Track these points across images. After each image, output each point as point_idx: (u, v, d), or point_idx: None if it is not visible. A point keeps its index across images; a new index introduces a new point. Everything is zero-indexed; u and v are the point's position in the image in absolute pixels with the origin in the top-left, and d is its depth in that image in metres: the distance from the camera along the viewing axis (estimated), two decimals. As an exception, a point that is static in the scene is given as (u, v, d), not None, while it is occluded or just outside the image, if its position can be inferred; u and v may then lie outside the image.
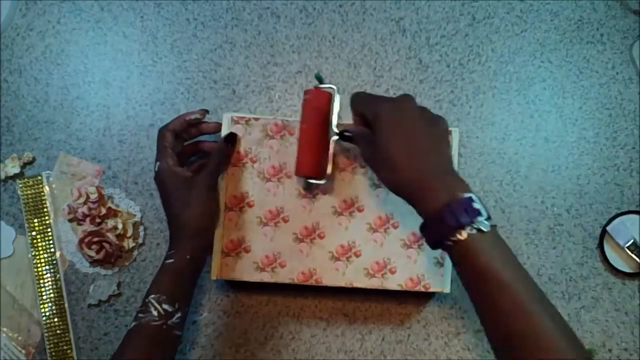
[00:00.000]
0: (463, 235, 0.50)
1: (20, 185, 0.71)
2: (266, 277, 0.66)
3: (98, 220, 0.70)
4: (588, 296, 0.71)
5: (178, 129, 0.66)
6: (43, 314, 0.70)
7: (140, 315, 0.59)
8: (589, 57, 0.74)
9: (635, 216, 0.71)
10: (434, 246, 0.54)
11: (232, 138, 0.66)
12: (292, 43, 0.73)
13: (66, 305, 0.70)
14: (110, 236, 0.70)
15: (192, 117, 0.66)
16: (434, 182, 0.53)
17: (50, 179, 0.72)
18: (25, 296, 0.71)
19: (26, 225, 0.71)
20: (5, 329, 0.70)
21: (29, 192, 0.71)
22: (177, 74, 0.73)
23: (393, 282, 0.66)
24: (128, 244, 0.71)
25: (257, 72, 0.73)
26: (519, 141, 0.73)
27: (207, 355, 0.70)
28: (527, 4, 0.74)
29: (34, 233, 0.71)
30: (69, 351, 0.70)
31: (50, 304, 0.70)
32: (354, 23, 0.73)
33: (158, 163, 0.63)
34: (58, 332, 0.70)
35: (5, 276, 0.71)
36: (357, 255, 0.66)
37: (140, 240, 0.71)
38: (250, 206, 0.67)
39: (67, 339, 0.70)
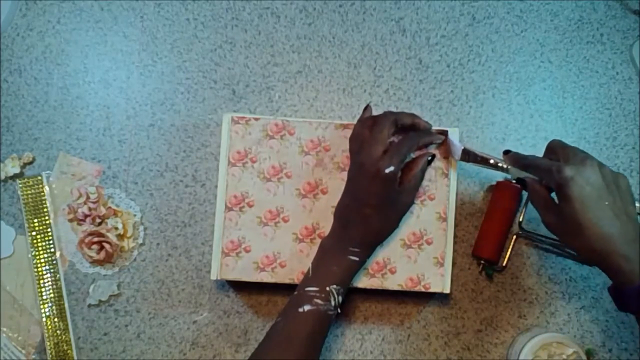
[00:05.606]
0: None
1: (20, 185, 0.71)
2: (266, 277, 0.66)
3: (98, 220, 0.70)
4: (588, 296, 0.71)
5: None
6: (43, 314, 0.70)
7: (320, 302, 0.60)
8: (589, 57, 0.74)
9: (635, 216, 0.71)
10: (624, 310, 0.56)
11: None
12: (292, 43, 0.73)
13: (66, 305, 0.70)
14: (110, 236, 0.70)
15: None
16: (627, 250, 0.54)
17: (50, 179, 0.72)
18: (25, 296, 0.71)
19: (26, 225, 0.71)
20: (5, 329, 0.70)
21: (29, 192, 0.71)
22: (177, 74, 0.73)
23: (393, 282, 0.66)
24: (128, 244, 0.71)
25: (257, 72, 0.73)
26: (519, 141, 0.73)
27: (207, 355, 0.70)
28: (527, 4, 0.74)
29: (34, 233, 0.71)
30: (69, 351, 0.70)
31: (50, 304, 0.70)
32: (354, 23, 0.73)
33: (393, 167, 0.60)
34: (58, 332, 0.70)
35: (5, 276, 0.71)
36: (357, 255, 0.66)
37: (140, 240, 0.71)
38: (250, 206, 0.67)
39: (67, 339, 0.70)
